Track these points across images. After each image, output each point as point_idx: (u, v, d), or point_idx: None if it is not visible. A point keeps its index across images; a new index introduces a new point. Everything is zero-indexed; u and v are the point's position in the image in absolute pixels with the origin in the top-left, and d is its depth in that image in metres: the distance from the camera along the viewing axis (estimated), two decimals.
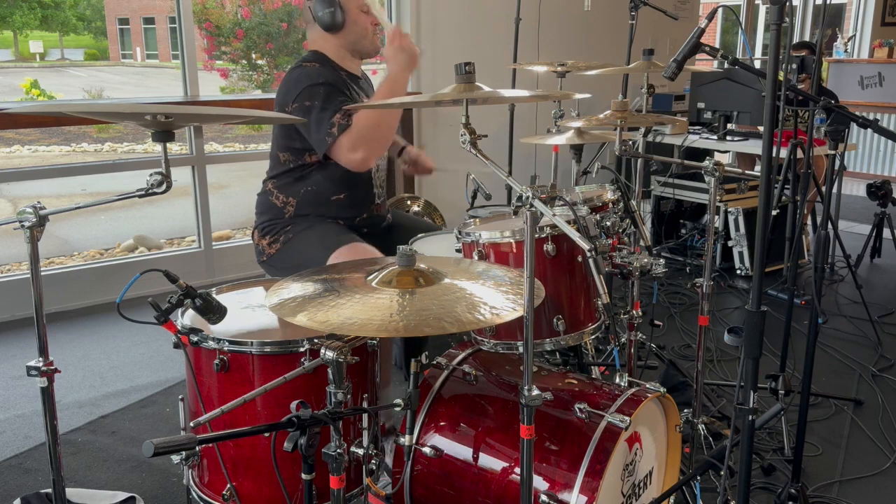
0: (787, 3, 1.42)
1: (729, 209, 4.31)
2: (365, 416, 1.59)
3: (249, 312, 1.85)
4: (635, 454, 1.78)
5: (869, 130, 1.79)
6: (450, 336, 2.37)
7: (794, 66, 3.55)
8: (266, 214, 2.46)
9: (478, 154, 1.45)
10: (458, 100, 1.48)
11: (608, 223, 1.90)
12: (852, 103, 7.32)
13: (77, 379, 3.10)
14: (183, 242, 5.63)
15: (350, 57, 2.44)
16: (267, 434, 1.59)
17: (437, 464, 1.80)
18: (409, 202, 3.92)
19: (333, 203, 2.41)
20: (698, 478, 2.03)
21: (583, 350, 2.44)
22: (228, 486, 1.69)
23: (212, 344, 1.65)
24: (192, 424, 1.66)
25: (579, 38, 5.21)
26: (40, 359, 1.67)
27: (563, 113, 3.08)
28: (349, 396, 1.45)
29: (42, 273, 1.68)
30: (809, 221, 4.23)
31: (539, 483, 1.65)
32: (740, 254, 4.30)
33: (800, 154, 2.99)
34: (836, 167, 3.58)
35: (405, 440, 1.71)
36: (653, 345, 3.02)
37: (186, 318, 1.75)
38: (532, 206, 1.35)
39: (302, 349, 1.61)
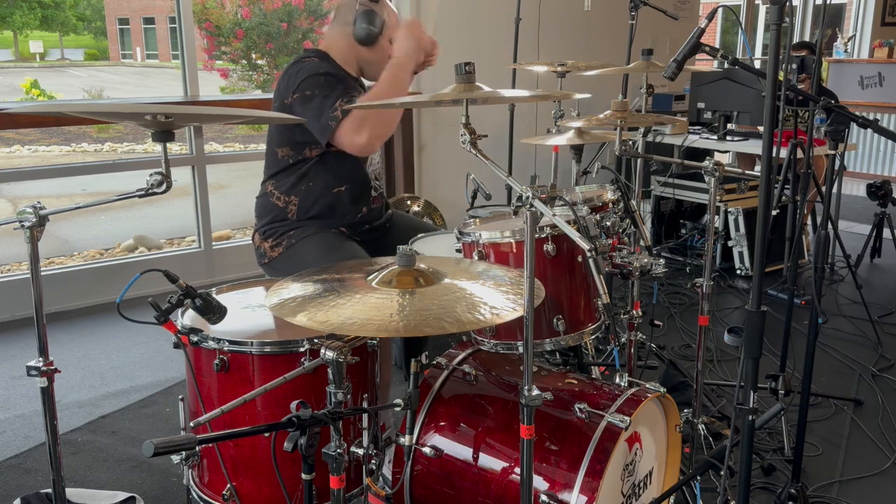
0: (787, 3, 1.42)
1: (729, 209, 4.31)
2: (365, 416, 1.59)
3: (249, 312, 1.84)
4: (635, 454, 1.78)
5: (869, 130, 1.79)
6: (450, 336, 2.37)
7: (794, 66, 3.55)
8: (268, 217, 2.45)
9: (478, 154, 1.45)
10: (458, 100, 1.48)
11: (608, 223, 1.90)
12: (852, 103, 7.32)
13: (77, 379, 3.10)
14: (183, 242, 5.63)
15: (355, 66, 2.46)
16: (267, 434, 1.59)
17: (437, 464, 1.80)
18: (409, 202, 3.92)
19: (335, 195, 2.40)
20: (698, 478, 2.03)
21: (583, 350, 2.44)
22: (228, 486, 1.69)
23: (212, 344, 1.65)
24: (192, 424, 1.66)
25: (579, 38, 5.21)
26: (40, 359, 1.67)
27: (563, 113, 3.08)
28: (349, 396, 1.45)
29: (42, 273, 1.68)
30: (809, 221, 4.24)
31: (539, 483, 1.65)
32: (740, 254, 4.30)
33: (800, 154, 2.99)
34: (836, 167, 3.58)
35: (405, 440, 1.71)
36: (653, 345, 3.02)
37: (186, 318, 1.75)
38: (532, 206, 1.35)
39: (302, 349, 1.61)
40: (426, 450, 1.78)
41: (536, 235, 1.81)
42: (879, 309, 3.79)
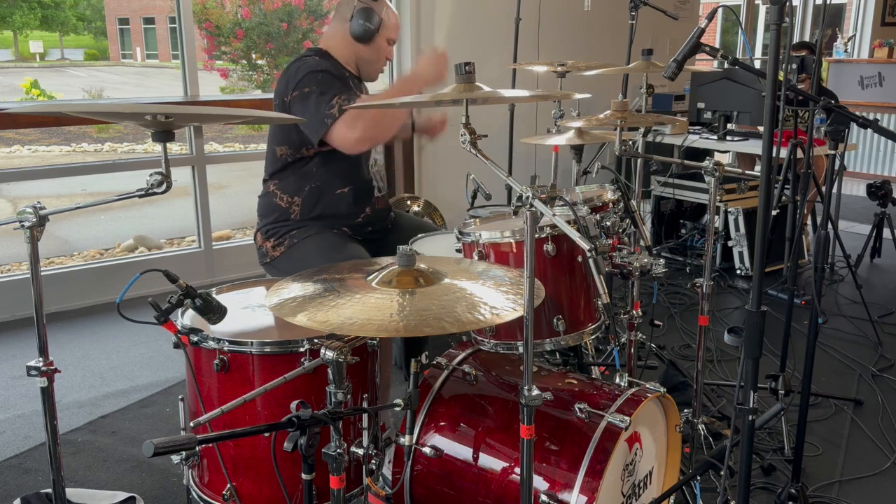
0: (787, 3, 1.42)
1: (729, 209, 4.31)
2: (365, 416, 1.59)
3: (249, 312, 1.84)
4: (635, 454, 1.78)
5: (869, 130, 1.79)
6: (450, 336, 2.37)
7: (794, 66, 3.54)
8: (270, 216, 2.45)
9: (478, 154, 1.45)
10: (458, 100, 1.48)
11: (608, 223, 1.90)
12: (852, 103, 7.31)
13: (77, 379, 3.10)
14: (183, 242, 5.63)
15: (354, 65, 2.46)
16: (267, 434, 1.59)
17: (437, 464, 1.80)
18: (409, 202, 3.92)
19: (338, 197, 2.41)
20: (698, 478, 2.03)
21: (583, 350, 2.44)
22: (228, 486, 1.69)
23: (212, 344, 1.65)
24: (192, 424, 1.66)
25: (579, 38, 5.21)
26: (40, 359, 1.67)
27: (563, 113, 3.08)
28: (349, 396, 1.45)
29: (42, 273, 1.68)
30: (809, 221, 4.23)
31: (539, 483, 1.65)
32: (740, 254, 4.30)
33: (800, 154, 2.99)
34: (836, 167, 3.58)
35: (405, 440, 1.70)
36: (653, 345, 3.02)
37: (186, 318, 1.75)
38: (532, 206, 1.35)
39: (302, 349, 1.61)
40: (426, 450, 1.78)
41: (536, 235, 1.81)
42: (879, 309, 3.79)
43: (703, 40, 1.81)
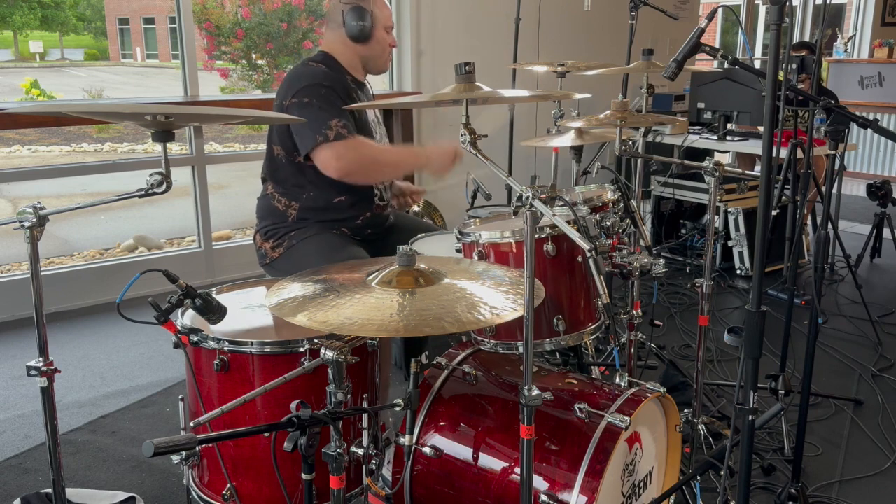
0: (787, 3, 1.42)
1: (729, 209, 4.31)
2: (365, 416, 1.59)
3: (249, 312, 1.84)
4: (635, 454, 1.78)
5: (869, 130, 1.79)
6: (450, 336, 2.37)
7: (794, 66, 3.54)
8: (269, 219, 2.45)
9: (478, 154, 1.45)
10: (458, 100, 1.48)
11: (608, 223, 1.90)
12: (852, 103, 7.31)
13: (77, 379, 3.10)
14: (183, 242, 5.62)
15: (360, 67, 2.45)
16: (267, 434, 1.59)
17: (437, 464, 1.80)
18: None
19: (335, 205, 2.40)
20: (698, 478, 2.03)
21: (583, 350, 2.44)
22: (228, 486, 1.69)
23: (212, 344, 1.65)
24: (192, 424, 1.66)
25: (579, 38, 5.21)
26: (40, 359, 1.67)
27: (563, 113, 3.08)
28: (349, 396, 1.45)
29: (42, 273, 1.68)
30: (809, 221, 4.23)
31: (539, 483, 1.65)
32: (740, 254, 4.30)
33: (800, 154, 2.99)
34: (836, 167, 3.58)
35: (405, 440, 1.71)
36: (653, 345, 3.02)
37: (186, 318, 1.75)
38: (532, 206, 1.35)
39: (302, 349, 1.61)
40: (426, 450, 1.78)
41: (536, 235, 1.81)
42: (879, 309, 3.79)
43: (703, 40, 1.81)
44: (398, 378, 2.85)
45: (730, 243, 4.34)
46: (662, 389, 1.82)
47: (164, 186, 1.52)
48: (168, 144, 1.52)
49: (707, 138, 4.71)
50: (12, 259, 5.23)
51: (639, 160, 2.60)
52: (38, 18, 17.44)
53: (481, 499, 1.73)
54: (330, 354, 1.40)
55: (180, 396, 1.79)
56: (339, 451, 1.40)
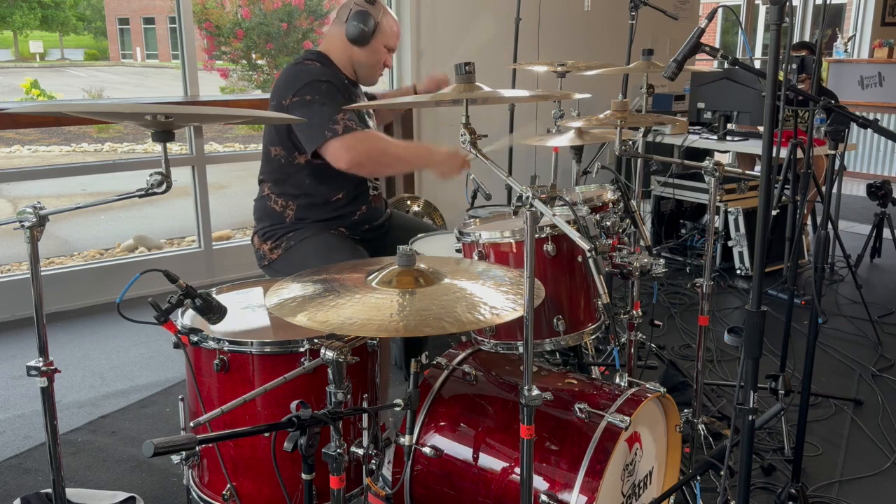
0: (787, 3, 1.42)
1: (729, 209, 4.31)
2: (365, 416, 1.59)
3: (249, 312, 1.84)
4: (635, 454, 1.78)
5: (869, 130, 1.79)
6: (450, 336, 2.37)
7: (794, 66, 3.54)
8: (266, 220, 2.45)
9: (478, 154, 1.45)
10: (458, 100, 1.48)
11: (608, 223, 1.90)
12: (852, 103, 7.31)
13: (77, 379, 3.10)
14: (183, 242, 5.63)
15: (351, 70, 2.46)
16: (267, 434, 1.59)
17: (437, 464, 1.80)
18: (409, 202, 3.92)
19: (332, 204, 2.41)
20: (698, 478, 2.03)
21: (583, 350, 2.44)
22: (228, 486, 1.69)
23: (212, 344, 1.65)
24: (192, 424, 1.66)
25: (579, 38, 5.21)
26: (40, 359, 1.67)
27: (563, 113, 3.08)
28: (349, 396, 1.44)
29: (42, 273, 1.68)
30: (809, 221, 4.23)
31: (539, 483, 1.65)
32: (740, 254, 4.30)
33: (800, 154, 2.99)
34: (836, 167, 3.58)
35: (405, 440, 1.71)
36: (653, 345, 3.02)
37: (186, 318, 1.75)
38: (532, 206, 1.35)
39: (302, 349, 1.61)
40: (426, 450, 1.78)
41: (536, 235, 1.81)
42: (879, 309, 3.79)
43: (703, 40, 1.81)
44: (398, 378, 2.85)
45: (730, 243, 4.34)
46: (662, 389, 1.82)
47: (164, 186, 1.52)
48: (168, 144, 1.52)
49: (707, 138, 4.71)
50: (12, 259, 5.23)
51: (639, 160, 2.60)
52: (38, 18, 17.45)
53: (481, 499, 1.73)
54: (330, 354, 1.40)
55: (180, 396, 1.79)
56: (339, 451, 1.40)
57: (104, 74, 16.95)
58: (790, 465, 2.26)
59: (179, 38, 4.07)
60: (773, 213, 3.68)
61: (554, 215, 1.36)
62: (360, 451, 1.57)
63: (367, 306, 1.37)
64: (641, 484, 1.84)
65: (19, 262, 5.14)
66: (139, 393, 2.98)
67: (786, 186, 3.45)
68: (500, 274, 1.60)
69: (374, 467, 1.63)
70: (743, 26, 7.57)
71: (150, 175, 1.51)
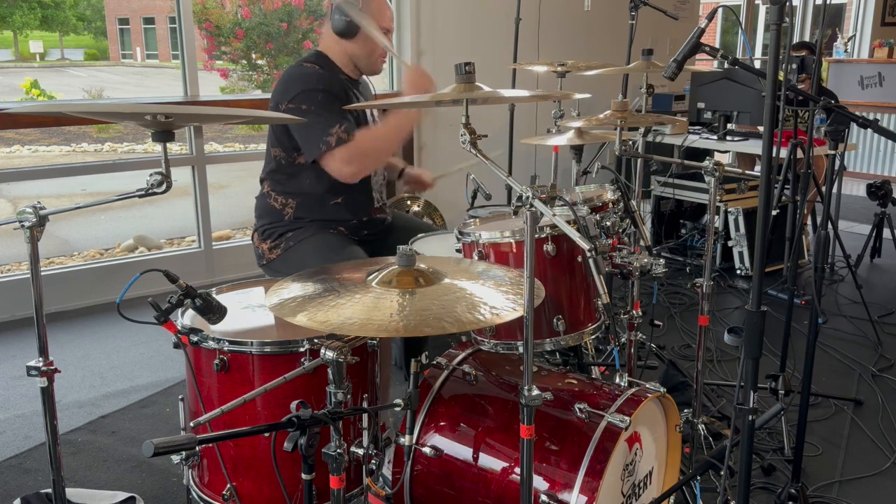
0: (787, 3, 1.42)
1: (729, 209, 4.31)
2: (365, 416, 1.59)
3: (249, 312, 1.85)
4: (635, 454, 1.78)
5: (869, 130, 1.79)
6: (450, 336, 2.37)
7: (794, 66, 3.54)
8: (266, 218, 2.45)
9: (478, 154, 1.45)
10: (458, 100, 1.48)
11: (608, 223, 1.90)
12: (852, 103, 7.31)
13: (77, 379, 3.10)
14: (183, 242, 5.63)
15: (352, 65, 2.45)
16: (267, 434, 1.59)
17: (437, 464, 1.80)
18: (409, 202, 3.92)
19: (331, 207, 2.41)
20: (698, 478, 2.03)
21: (583, 350, 2.44)
22: (228, 486, 1.69)
23: (212, 344, 1.65)
24: (192, 424, 1.66)
25: (579, 38, 5.21)
26: (40, 359, 1.67)
27: (563, 113, 3.08)
28: (349, 396, 1.45)
29: (42, 273, 1.68)
30: (809, 221, 4.23)
31: (539, 483, 1.65)
32: (740, 254, 4.30)
33: (800, 154, 2.99)
34: (836, 167, 3.58)
35: (405, 440, 1.71)
36: (653, 345, 3.02)
37: (186, 318, 1.75)
38: (532, 206, 1.35)
39: (302, 349, 1.61)
40: (426, 450, 1.78)
41: (536, 235, 1.81)
42: (879, 309, 3.79)
43: (703, 40, 1.81)
44: (398, 378, 2.85)
45: (730, 243, 4.34)
46: (662, 389, 1.82)
47: (164, 186, 1.52)
48: (168, 144, 1.52)
49: (707, 138, 4.71)
50: (12, 259, 5.23)
51: (639, 160, 2.60)
52: (38, 18, 17.44)
53: (481, 499, 1.73)
54: (330, 354, 1.40)
55: (180, 396, 1.79)
56: (339, 451, 1.40)
57: (104, 74, 16.95)
58: (790, 465, 2.26)
59: (179, 38, 4.07)
60: (773, 213, 3.68)
61: (554, 215, 1.36)
62: (360, 451, 1.57)
63: (367, 306, 1.37)
64: (641, 484, 1.84)
65: (19, 262, 5.14)
66: (139, 393, 2.98)
67: (786, 186, 3.45)
68: (500, 274, 1.60)
69: (374, 467, 1.63)
70: (743, 26, 7.57)
71: (150, 175, 1.51)
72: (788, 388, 1.76)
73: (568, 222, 1.65)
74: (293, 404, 1.32)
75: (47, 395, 1.68)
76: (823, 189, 2.68)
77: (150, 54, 19.39)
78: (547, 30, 4.91)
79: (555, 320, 1.84)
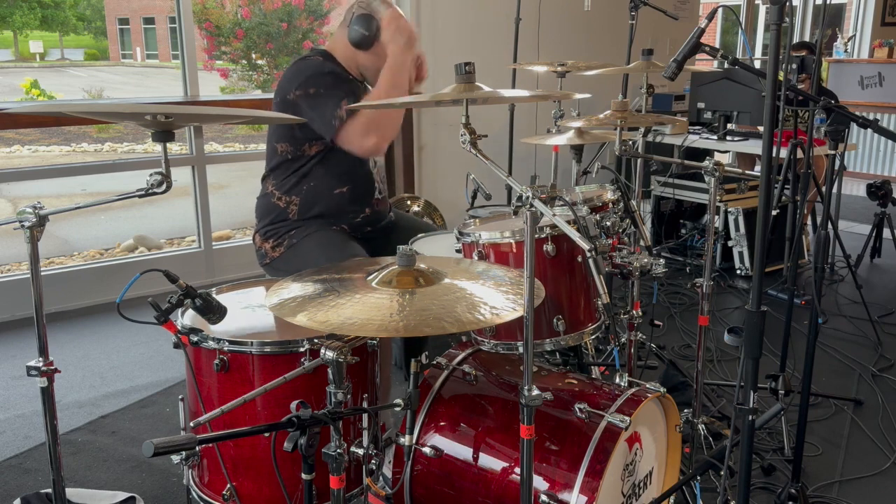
0: (787, 3, 1.42)
1: (729, 209, 4.31)
2: (365, 416, 1.59)
3: (249, 312, 1.85)
4: (635, 454, 1.78)
5: (869, 130, 1.79)
6: (450, 336, 2.37)
7: (794, 66, 3.54)
8: (269, 217, 2.45)
9: (478, 154, 1.45)
10: (458, 100, 1.48)
11: (608, 223, 1.90)
12: (852, 103, 7.31)
13: (77, 379, 3.10)
14: (183, 242, 5.63)
15: (357, 71, 2.45)
16: (267, 434, 1.59)
17: (437, 464, 1.80)
18: (409, 202, 3.92)
19: (336, 197, 2.40)
20: (698, 478, 2.03)
21: (583, 350, 2.44)
22: (228, 486, 1.69)
23: (212, 344, 1.65)
24: (192, 424, 1.66)
25: (579, 38, 5.21)
26: (40, 359, 1.67)
27: (563, 113, 3.08)
28: (349, 396, 1.45)
29: (42, 273, 1.68)
30: (809, 221, 4.23)
31: (539, 483, 1.65)
32: (740, 254, 4.30)
33: (800, 154, 2.99)
34: (836, 167, 3.58)
35: (405, 440, 1.71)
36: (653, 345, 3.02)
37: (186, 318, 1.75)
38: (532, 206, 1.35)
39: (302, 349, 1.61)
40: (426, 450, 1.78)
41: (536, 235, 1.81)
42: (879, 309, 3.79)
43: (703, 40, 1.81)
44: (398, 378, 2.85)
45: (730, 243, 4.34)
46: (662, 389, 1.82)
47: (164, 186, 1.52)
48: (168, 144, 1.52)
49: (707, 138, 4.71)
50: (12, 259, 5.23)
51: (639, 160, 2.60)
52: (38, 18, 17.46)
53: (481, 499, 1.73)
54: (330, 354, 1.40)
55: (180, 396, 1.79)
56: (339, 451, 1.40)
57: (104, 74, 16.96)
58: (790, 465, 2.26)
59: (179, 38, 4.07)
60: (773, 213, 3.68)
61: (554, 215, 1.36)
62: (360, 451, 1.57)
63: (367, 306, 1.37)
64: (641, 484, 1.84)
65: (19, 262, 5.14)
66: (139, 393, 2.98)
67: (786, 186, 3.45)
68: (500, 274, 1.60)
69: (374, 467, 1.63)
70: (743, 26, 7.57)
71: (150, 175, 1.51)
72: (788, 388, 1.77)
73: (568, 222, 1.65)
74: (293, 404, 1.32)
75: (47, 395, 1.68)
76: (823, 189, 2.69)
77: (150, 54, 19.40)
78: (547, 30, 4.91)
79: (555, 320, 1.84)
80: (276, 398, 1.63)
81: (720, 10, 2.08)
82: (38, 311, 1.66)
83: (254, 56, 10.84)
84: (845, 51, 8.00)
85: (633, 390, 1.79)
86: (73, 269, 4.01)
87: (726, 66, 1.76)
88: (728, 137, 4.66)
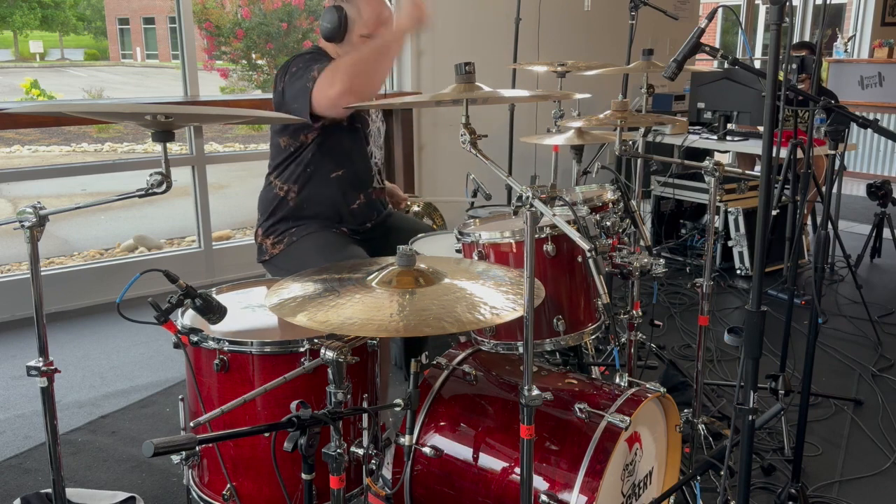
0: (787, 3, 1.42)
1: (729, 209, 4.31)
2: (365, 416, 1.59)
3: (249, 312, 1.85)
4: (635, 454, 1.78)
5: (869, 130, 1.79)
6: (450, 336, 2.37)
7: (794, 66, 3.54)
8: (269, 209, 2.46)
9: (478, 154, 1.45)
10: (458, 100, 1.48)
11: (608, 223, 1.90)
12: (852, 103, 7.31)
13: (77, 379, 3.10)
14: (183, 242, 5.63)
15: None
16: (267, 434, 1.59)
17: (437, 464, 1.80)
18: (409, 202, 3.92)
19: (333, 182, 2.41)
20: (698, 478, 2.03)
21: (583, 350, 2.44)
22: (228, 486, 1.69)
23: (212, 344, 1.65)
24: (192, 424, 1.66)
25: (579, 38, 5.21)
26: (40, 359, 1.67)
27: (563, 113, 3.08)
28: (349, 396, 1.45)
29: (42, 273, 1.68)
30: (809, 221, 4.24)
31: (539, 483, 1.65)
32: (740, 254, 4.30)
33: (800, 154, 2.99)
34: (836, 167, 3.58)
35: (405, 440, 1.71)
36: (653, 345, 3.02)
37: (186, 318, 1.75)
38: (532, 206, 1.35)
39: (302, 349, 1.61)
40: (426, 450, 1.78)
41: (536, 235, 1.81)
42: (879, 309, 3.79)
43: (703, 40, 1.81)
44: (398, 378, 2.85)
45: (730, 243, 4.34)
46: (662, 389, 1.82)
47: (164, 186, 1.52)
48: (168, 144, 1.52)
49: (707, 138, 4.71)
50: (12, 259, 5.23)
51: (639, 160, 2.60)
52: (38, 18, 17.44)
53: (481, 499, 1.73)
54: (330, 354, 1.40)
55: (180, 396, 1.79)
56: (339, 451, 1.40)
57: (104, 74, 16.95)
58: (790, 465, 2.26)
59: (179, 38, 4.07)
60: (773, 213, 3.68)
61: (554, 215, 1.36)
62: (360, 451, 1.57)
63: (367, 306, 1.37)
64: (641, 484, 1.84)
65: (19, 262, 5.14)
66: (139, 393, 2.98)
67: (786, 186, 3.45)
68: (500, 274, 1.60)
69: (374, 467, 1.63)
70: (743, 26, 7.57)
71: (150, 175, 1.51)
72: (788, 388, 1.77)
73: (568, 222, 1.65)
74: (293, 404, 1.32)
75: (47, 395, 1.68)
76: (823, 189, 2.69)
77: (150, 54, 19.39)
78: (547, 30, 4.91)
79: (555, 320, 1.84)
80: (276, 398, 1.63)
81: (720, 10, 2.08)
82: (38, 311, 1.66)
83: (254, 56, 10.83)
84: (845, 51, 8.00)
85: (633, 390, 1.79)
86: (73, 269, 4.01)
87: (726, 66, 1.76)
88: (728, 137, 4.66)
